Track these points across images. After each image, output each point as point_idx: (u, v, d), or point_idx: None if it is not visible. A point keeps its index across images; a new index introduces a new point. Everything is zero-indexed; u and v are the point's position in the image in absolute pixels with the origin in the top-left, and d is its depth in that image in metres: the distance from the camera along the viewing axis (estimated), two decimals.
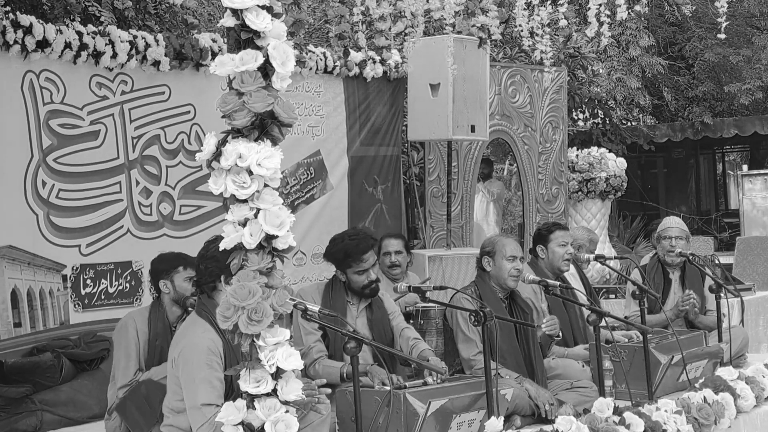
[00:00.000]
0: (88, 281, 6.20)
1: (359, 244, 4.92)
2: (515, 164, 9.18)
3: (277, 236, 3.33)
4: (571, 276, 6.32)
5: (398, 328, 5.09)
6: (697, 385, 5.32)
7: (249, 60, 3.29)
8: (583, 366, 5.69)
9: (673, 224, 6.69)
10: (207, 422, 3.83)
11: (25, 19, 5.74)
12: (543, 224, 6.31)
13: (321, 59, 7.52)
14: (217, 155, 3.36)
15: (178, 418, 4.05)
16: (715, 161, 16.91)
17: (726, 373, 5.49)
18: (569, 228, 7.31)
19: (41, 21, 5.91)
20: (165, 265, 4.97)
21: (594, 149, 10.55)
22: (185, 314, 4.98)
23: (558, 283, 5.55)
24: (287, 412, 3.36)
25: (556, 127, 9.21)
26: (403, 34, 5.83)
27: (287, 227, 3.35)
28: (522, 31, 5.31)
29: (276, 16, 3.37)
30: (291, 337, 3.44)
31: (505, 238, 5.63)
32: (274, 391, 3.35)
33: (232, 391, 3.87)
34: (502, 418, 4.34)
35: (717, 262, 8.34)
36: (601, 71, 13.01)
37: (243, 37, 3.32)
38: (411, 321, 5.37)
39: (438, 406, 4.25)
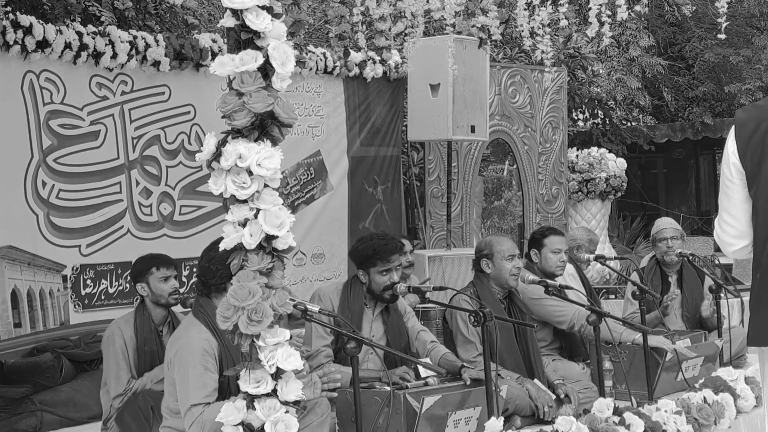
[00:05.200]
0: (88, 281, 6.20)
1: (388, 244, 4.94)
2: (515, 164, 9.18)
3: (277, 236, 3.33)
4: (571, 276, 6.32)
5: (414, 330, 5.08)
6: (697, 386, 5.33)
7: (249, 60, 3.29)
8: (583, 368, 5.69)
9: (666, 225, 6.67)
10: (195, 421, 3.84)
11: (25, 20, 5.73)
12: (538, 228, 6.32)
13: (321, 59, 7.52)
14: (217, 155, 3.36)
15: (176, 420, 4.05)
16: (715, 161, 16.87)
17: (726, 373, 5.49)
18: (570, 228, 7.32)
19: (41, 21, 5.91)
20: (139, 268, 5.00)
21: (594, 149, 10.55)
22: (170, 317, 5.00)
23: (558, 283, 5.55)
24: (287, 412, 3.36)
25: (556, 128, 9.21)
26: (403, 34, 5.83)
27: (287, 227, 3.35)
28: (522, 31, 5.31)
29: (276, 16, 3.38)
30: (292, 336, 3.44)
31: (499, 237, 5.61)
32: (274, 391, 3.35)
33: (229, 393, 3.87)
34: (502, 419, 4.34)
35: (717, 262, 8.32)
36: (601, 71, 13.00)
37: (243, 38, 3.33)
38: None
39: (432, 402, 4.26)
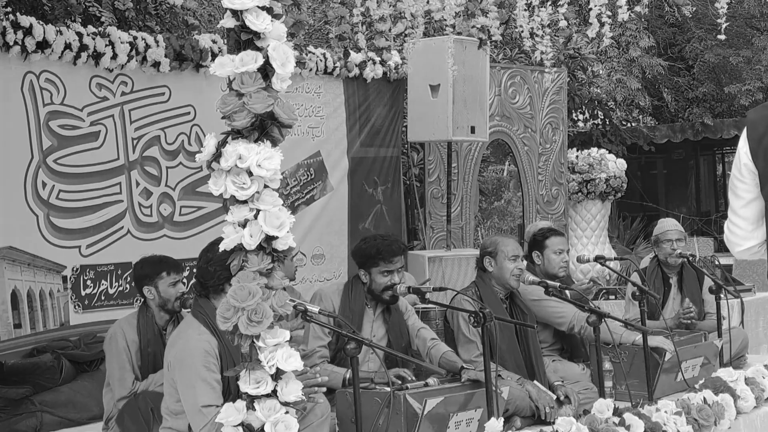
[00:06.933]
0: (89, 282, 6.19)
1: (392, 245, 4.95)
2: (513, 165, 9.18)
3: (277, 237, 3.33)
4: None
5: (414, 328, 5.08)
6: (697, 386, 5.32)
7: (249, 61, 3.29)
8: (583, 369, 5.69)
9: (671, 227, 6.68)
10: (209, 423, 3.83)
11: (25, 20, 5.74)
12: (539, 230, 6.29)
13: (321, 60, 7.52)
14: (217, 156, 3.37)
15: (176, 421, 4.05)
16: (715, 162, 16.90)
17: (726, 374, 5.49)
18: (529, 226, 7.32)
19: (41, 22, 5.91)
20: (148, 271, 4.96)
21: (594, 150, 10.53)
22: (175, 316, 4.98)
23: (558, 284, 5.55)
24: (287, 413, 3.36)
25: (556, 128, 9.21)
26: (403, 35, 5.82)
27: (287, 228, 3.35)
28: (522, 32, 5.31)
29: (276, 17, 3.38)
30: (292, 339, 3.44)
31: (506, 237, 5.63)
32: (274, 392, 3.35)
33: (229, 393, 3.87)
34: (502, 420, 4.34)
35: (717, 263, 8.33)
36: (601, 72, 13.00)
37: (243, 38, 3.33)
38: None
39: (434, 404, 4.26)
